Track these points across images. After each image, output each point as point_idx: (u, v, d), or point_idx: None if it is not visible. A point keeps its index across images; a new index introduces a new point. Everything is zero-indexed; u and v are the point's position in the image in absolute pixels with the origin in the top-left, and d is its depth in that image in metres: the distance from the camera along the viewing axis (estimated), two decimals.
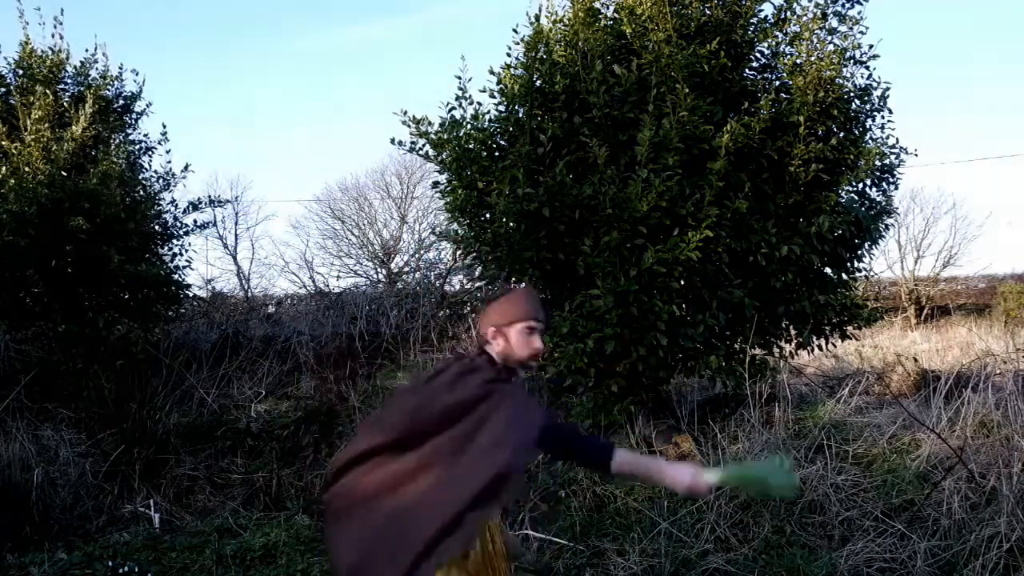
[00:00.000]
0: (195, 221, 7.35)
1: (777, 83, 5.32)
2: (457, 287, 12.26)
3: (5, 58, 6.52)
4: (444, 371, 2.24)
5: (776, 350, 5.59)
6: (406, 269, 17.17)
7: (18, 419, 5.36)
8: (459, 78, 5.31)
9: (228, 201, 10.14)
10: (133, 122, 7.02)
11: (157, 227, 6.93)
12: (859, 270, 5.64)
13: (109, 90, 6.78)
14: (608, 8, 5.44)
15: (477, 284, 6.22)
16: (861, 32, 5.14)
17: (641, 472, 2.33)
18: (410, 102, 38.68)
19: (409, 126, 5.38)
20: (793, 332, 5.51)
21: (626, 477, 2.33)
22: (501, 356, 2.33)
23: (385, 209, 19.67)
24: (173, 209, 7.12)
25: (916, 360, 7.26)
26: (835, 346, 5.84)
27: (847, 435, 4.96)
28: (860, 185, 5.50)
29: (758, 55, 5.48)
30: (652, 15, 4.91)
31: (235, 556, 3.92)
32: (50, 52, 6.59)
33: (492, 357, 2.33)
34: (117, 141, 6.68)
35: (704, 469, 2.22)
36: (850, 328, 5.57)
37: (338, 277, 17.63)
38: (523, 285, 2.80)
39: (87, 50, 6.82)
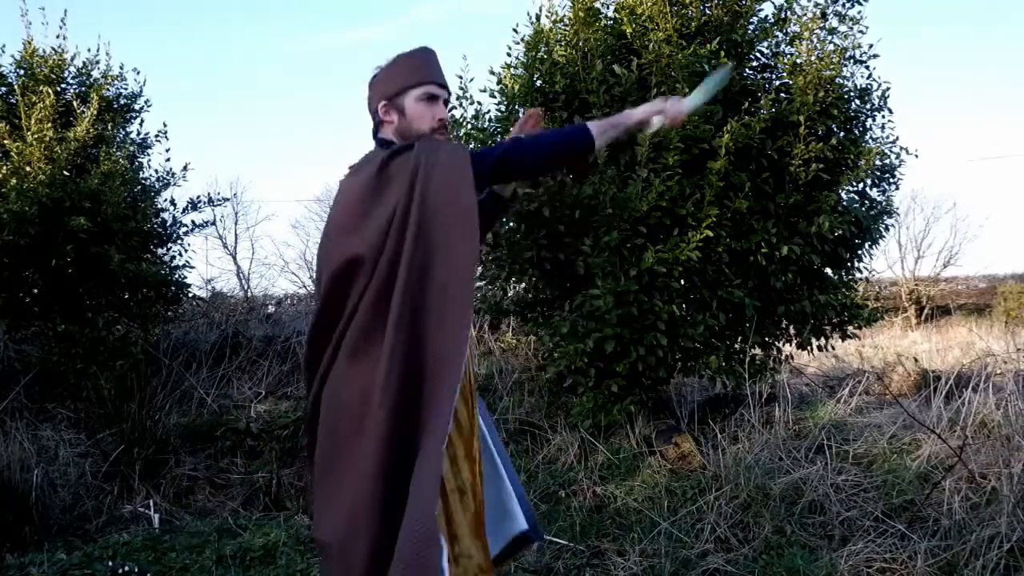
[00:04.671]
0: (194, 221, 7.32)
1: (777, 83, 5.32)
2: None
3: (12, 56, 6.51)
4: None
5: (776, 350, 5.59)
6: None
7: (17, 419, 5.35)
8: (460, 78, 5.32)
9: (227, 200, 10.10)
10: (134, 121, 7.01)
11: (157, 227, 6.91)
12: (859, 270, 5.63)
13: (111, 89, 6.77)
14: (608, 8, 5.43)
15: (477, 284, 6.20)
16: (861, 31, 5.13)
17: (618, 127, 2.11)
18: None
19: None
20: (793, 332, 5.51)
21: (608, 142, 2.11)
22: (399, 135, 2.02)
23: None
24: (172, 208, 7.10)
25: (916, 360, 7.26)
26: (834, 347, 5.84)
27: (847, 435, 4.96)
28: (860, 185, 5.50)
29: (758, 55, 5.48)
30: (652, 15, 4.90)
31: (235, 556, 3.91)
32: (52, 51, 6.58)
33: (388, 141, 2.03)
34: (119, 140, 6.66)
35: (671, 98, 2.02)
36: (851, 328, 5.57)
37: None
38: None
39: (89, 49, 6.81)
